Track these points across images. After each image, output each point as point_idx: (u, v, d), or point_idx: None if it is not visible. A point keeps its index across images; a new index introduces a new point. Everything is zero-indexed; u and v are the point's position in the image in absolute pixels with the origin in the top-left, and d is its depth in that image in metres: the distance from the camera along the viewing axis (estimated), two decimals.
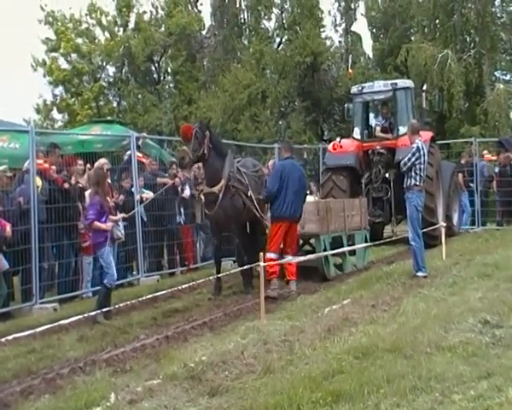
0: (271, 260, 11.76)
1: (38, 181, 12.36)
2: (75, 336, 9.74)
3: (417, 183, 12.52)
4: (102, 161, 13.81)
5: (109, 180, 13.79)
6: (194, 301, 12.19)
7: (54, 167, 12.90)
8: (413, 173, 12.47)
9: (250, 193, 12.76)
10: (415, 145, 12.56)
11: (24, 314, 11.92)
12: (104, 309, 10.23)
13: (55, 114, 38.99)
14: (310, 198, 14.77)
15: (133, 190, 14.50)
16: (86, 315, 9.75)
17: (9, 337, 7.94)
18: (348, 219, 14.57)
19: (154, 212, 14.86)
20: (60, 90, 38.23)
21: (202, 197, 12.84)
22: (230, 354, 7.64)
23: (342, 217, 14.42)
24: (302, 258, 12.42)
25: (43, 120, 38.27)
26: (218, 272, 12.55)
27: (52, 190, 12.54)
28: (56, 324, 9.20)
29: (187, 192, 15.91)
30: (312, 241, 14.16)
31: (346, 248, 14.08)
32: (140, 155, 15.39)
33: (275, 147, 21.11)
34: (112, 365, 8.06)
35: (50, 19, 37.58)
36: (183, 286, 11.57)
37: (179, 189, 15.69)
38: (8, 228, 11.62)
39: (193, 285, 12.11)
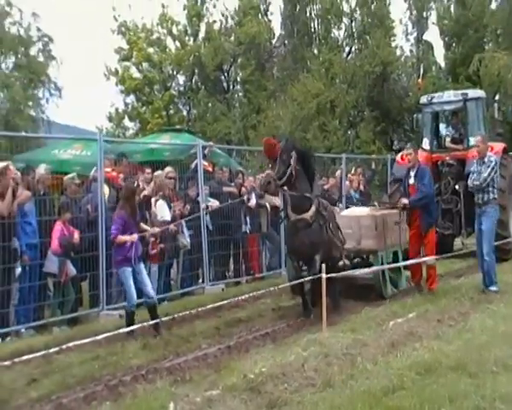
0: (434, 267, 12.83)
1: (106, 189, 12.53)
2: (139, 343, 9.84)
3: (496, 196, 12.38)
4: (167, 169, 13.99)
5: (176, 188, 14.01)
6: (258, 311, 12.17)
7: (121, 175, 13.06)
8: (490, 188, 12.26)
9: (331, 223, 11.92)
10: (492, 159, 12.36)
11: (91, 320, 12.11)
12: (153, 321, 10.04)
13: (126, 122, 39.71)
14: (364, 210, 14.16)
15: (199, 198, 14.59)
16: (147, 324, 9.77)
17: (70, 344, 8.02)
18: (403, 232, 13.52)
19: (219, 221, 14.92)
20: (131, 98, 38.90)
21: (266, 206, 12.37)
22: (291, 367, 7.59)
23: (397, 230, 13.50)
24: (360, 271, 12.16)
25: (115, 128, 38.99)
26: (303, 295, 11.59)
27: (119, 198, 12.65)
28: (120, 330, 9.29)
29: (253, 201, 15.90)
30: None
31: (402, 263, 13.27)
32: (206, 163, 15.47)
33: (342, 157, 20.99)
34: (173, 373, 8.13)
35: (123, 29, 38.26)
36: (247, 296, 11.53)
37: (245, 198, 15.68)
38: (76, 235, 11.81)
39: (257, 295, 12.04)
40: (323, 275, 9.61)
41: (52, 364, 8.79)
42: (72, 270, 11.81)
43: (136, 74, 38.49)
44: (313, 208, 11.29)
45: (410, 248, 13.16)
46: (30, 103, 37.04)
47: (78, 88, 54.64)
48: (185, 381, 7.74)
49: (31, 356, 7.68)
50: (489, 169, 12.23)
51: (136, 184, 11.47)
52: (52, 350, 8.38)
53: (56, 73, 38.07)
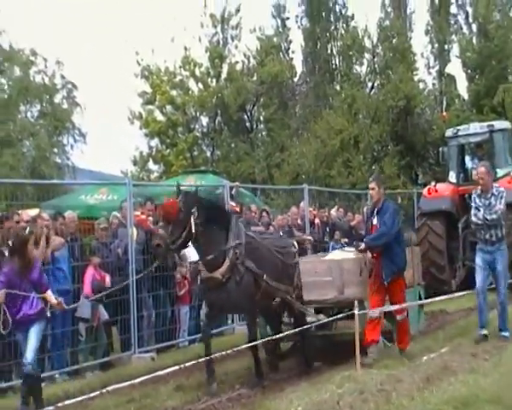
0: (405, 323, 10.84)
1: (134, 232, 12.64)
2: (172, 385, 9.85)
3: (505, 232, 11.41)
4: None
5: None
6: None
7: (150, 218, 13.14)
8: (503, 222, 11.25)
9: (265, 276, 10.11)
10: (501, 190, 11.28)
11: (123, 363, 12.14)
12: None
13: (150, 165, 39.86)
14: (348, 253, 11.70)
15: None
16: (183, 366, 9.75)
17: (109, 388, 8.03)
18: None
19: None
20: (155, 141, 39.11)
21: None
22: (326, 404, 7.52)
23: None
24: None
25: (140, 172, 39.14)
26: (209, 353, 9.71)
27: (148, 241, 12.72)
28: (154, 374, 9.29)
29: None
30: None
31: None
32: (234, 204, 15.53)
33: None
34: None
35: (146, 73, 38.61)
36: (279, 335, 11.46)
37: None
38: (108, 279, 11.90)
39: (290, 334, 11.96)
40: (356, 311, 9.50)
41: (88, 408, 8.81)
42: (104, 314, 11.87)
43: (160, 117, 38.72)
44: (227, 263, 9.70)
45: (370, 302, 10.63)
46: (55, 150, 37.56)
47: (103, 133, 55.49)
48: None
49: (68, 402, 7.70)
50: (503, 200, 11.11)
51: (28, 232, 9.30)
52: (93, 394, 8.43)
53: (80, 119, 38.41)
